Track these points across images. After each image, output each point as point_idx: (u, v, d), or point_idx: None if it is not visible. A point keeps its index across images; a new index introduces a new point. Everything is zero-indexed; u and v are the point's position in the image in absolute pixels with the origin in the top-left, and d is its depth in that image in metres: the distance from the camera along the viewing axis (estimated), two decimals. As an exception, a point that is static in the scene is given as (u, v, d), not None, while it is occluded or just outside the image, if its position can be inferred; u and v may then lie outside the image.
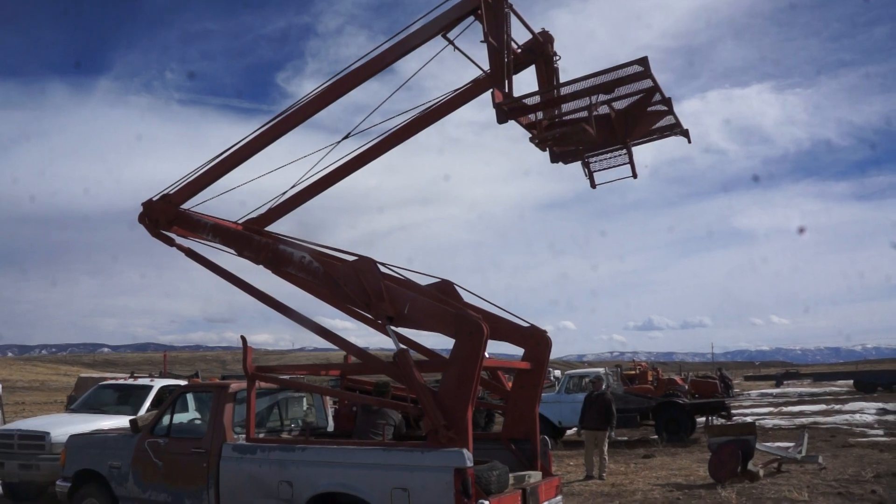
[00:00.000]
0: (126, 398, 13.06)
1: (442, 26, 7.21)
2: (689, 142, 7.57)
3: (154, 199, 8.57)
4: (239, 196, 8.63)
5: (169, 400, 8.47)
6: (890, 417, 25.44)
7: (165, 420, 8.27)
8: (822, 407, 31.52)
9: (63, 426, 11.22)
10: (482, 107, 6.97)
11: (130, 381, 14.41)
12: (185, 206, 8.55)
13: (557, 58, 7.71)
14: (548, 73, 7.63)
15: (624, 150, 7.72)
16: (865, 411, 27.75)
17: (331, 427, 9.20)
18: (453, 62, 7.61)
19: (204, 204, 8.60)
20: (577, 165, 8.07)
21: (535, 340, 7.80)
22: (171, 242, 8.58)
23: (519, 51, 7.62)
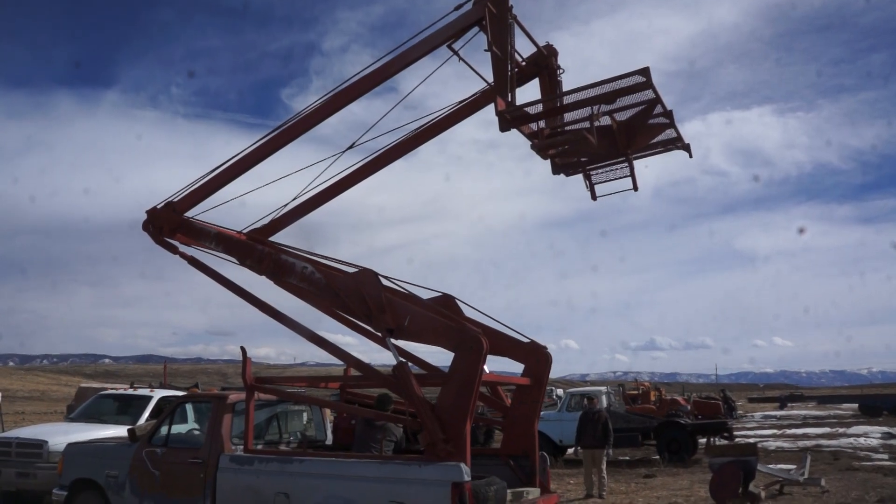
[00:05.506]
0: (125, 408, 13.04)
1: (446, 37, 7.25)
2: (691, 156, 7.56)
3: (158, 206, 8.59)
4: (241, 207, 8.67)
5: (168, 410, 8.45)
6: (895, 442, 25.19)
7: (164, 430, 8.24)
8: (827, 430, 31.23)
9: (61, 435, 11.19)
10: (487, 126, 7.00)
11: (130, 392, 14.39)
12: (189, 214, 8.58)
13: (561, 71, 7.73)
14: (551, 86, 7.65)
15: (625, 163, 7.71)
16: (870, 435, 27.45)
17: (329, 440, 9.16)
18: (457, 82, 7.65)
19: (206, 213, 8.62)
20: (579, 180, 8.06)
21: (535, 356, 7.78)
22: (174, 250, 8.57)
23: (523, 63, 7.65)
